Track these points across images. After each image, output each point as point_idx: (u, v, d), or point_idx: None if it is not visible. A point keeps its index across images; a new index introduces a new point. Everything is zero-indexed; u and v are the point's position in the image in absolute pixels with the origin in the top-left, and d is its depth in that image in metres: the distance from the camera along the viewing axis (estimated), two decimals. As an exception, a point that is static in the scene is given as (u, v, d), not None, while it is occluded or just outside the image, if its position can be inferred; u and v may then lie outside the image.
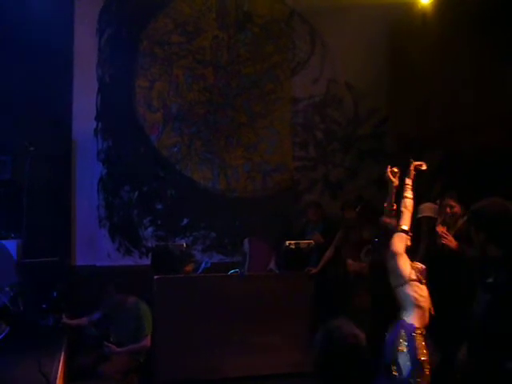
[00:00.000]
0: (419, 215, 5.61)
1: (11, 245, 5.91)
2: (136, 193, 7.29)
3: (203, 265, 6.78)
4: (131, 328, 5.53)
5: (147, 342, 5.55)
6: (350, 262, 5.87)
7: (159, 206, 7.36)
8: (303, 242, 6.38)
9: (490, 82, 5.79)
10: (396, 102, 7.58)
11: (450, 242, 4.57)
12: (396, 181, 4.02)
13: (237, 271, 6.34)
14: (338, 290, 6.05)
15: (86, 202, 7.09)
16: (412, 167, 3.92)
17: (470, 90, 6.03)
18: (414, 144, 7.18)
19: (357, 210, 6.10)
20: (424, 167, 3.96)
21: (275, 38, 7.81)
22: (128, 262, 7.16)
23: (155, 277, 6.00)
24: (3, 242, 5.92)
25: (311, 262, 6.34)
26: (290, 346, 6.04)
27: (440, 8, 6.57)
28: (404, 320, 3.46)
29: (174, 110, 7.46)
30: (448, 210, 4.97)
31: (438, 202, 5.44)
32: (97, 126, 7.20)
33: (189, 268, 6.49)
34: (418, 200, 5.77)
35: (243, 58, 7.72)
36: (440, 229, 4.74)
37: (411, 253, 5.39)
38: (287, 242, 6.33)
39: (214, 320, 5.92)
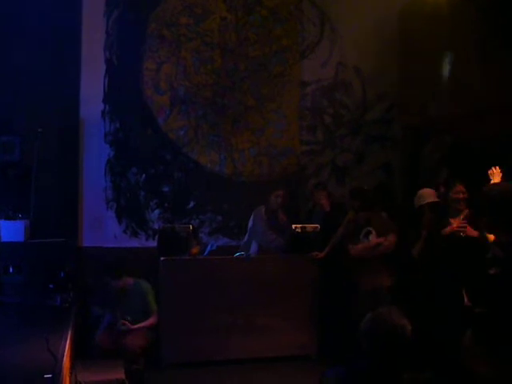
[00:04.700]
0: (422, 202, 5.61)
1: (19, 225, 5.97)
2: (143, 175, 7.30)
3: (209, 247, 6.83)
4: (139, 308, 5.59)
5: (155, 318, 5.63)
6: (350, 247, 5.79)
7: (166, 189, 7.37)
8: (309, 226, 6.41)
9: (498, 69, 5.73)
10: (404, 87, 7.52)
11: (471, 231, 4.59)
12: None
13: (242, 254, 6.38)
14: (342, 274, 6.06)
15: (94, 183, 7.11)
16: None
17: (478, 77, 5.96)
18: (422, 130, 7.15)
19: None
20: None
21: (284, 20, 7.73)
22: (134, 243, 7.19)
23: (161, 258, 6.05)
24: (11, 222, 6.00)
25: (317, 246, 6.36)
26: (294, 329, 6.11)
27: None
28: None
29: (181, 93, 7.43)
30: (461, 195, 4.96)
31: (441, 190, 5.44)
32: (104, 108, 7.19)
33: (195, 250, 6.53)
34: (422, 187, 5.82)
35: (251, 41, 7.65)
36: (457, 222, 4.79)
37: (414, 239, 5.40)
38: (293, 226, 6.36)
39: (219, 302, 5.98)
